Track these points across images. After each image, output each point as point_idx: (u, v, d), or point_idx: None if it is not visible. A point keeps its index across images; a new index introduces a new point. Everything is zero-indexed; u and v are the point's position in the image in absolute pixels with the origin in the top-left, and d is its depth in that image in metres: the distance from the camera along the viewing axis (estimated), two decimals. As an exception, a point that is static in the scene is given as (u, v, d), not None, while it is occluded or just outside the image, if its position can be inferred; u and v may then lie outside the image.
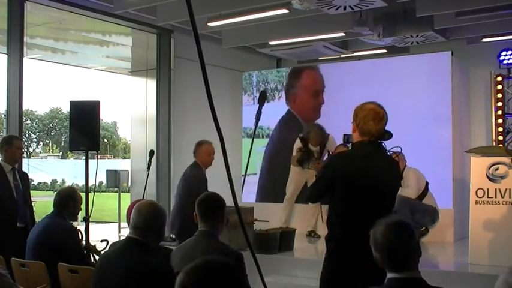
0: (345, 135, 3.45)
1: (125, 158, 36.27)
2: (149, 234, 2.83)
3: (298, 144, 6.96)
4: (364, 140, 3.16)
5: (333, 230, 3.19)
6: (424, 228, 6.28)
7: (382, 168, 3.17)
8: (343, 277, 3.12)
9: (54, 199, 4.16)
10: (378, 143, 3.21)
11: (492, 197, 5.24)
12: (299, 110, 8.38)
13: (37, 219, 4.82)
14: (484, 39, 8.20)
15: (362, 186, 3.11)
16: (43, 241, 3.88)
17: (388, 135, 3.36)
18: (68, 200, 4.12)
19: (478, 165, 5.34)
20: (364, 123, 3.14)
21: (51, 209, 4.15)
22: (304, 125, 7.60)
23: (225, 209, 3.13)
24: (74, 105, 5.74)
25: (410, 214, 5.86)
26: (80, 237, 4.75)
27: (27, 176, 5.32)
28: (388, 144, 3.26)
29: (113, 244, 3.33)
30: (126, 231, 3.07)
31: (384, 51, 8.93)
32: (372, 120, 3.12)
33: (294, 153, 6.97)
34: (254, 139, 7.01)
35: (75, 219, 4.27)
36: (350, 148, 3.39)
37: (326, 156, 6.68)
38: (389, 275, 2.29)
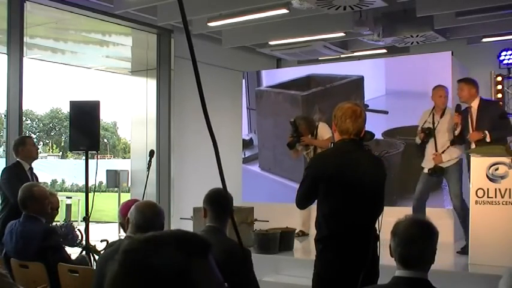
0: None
1: (124, 158, 36.28)
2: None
3: None
4: (345, 138, 3.19)
5: (320, 231, 3.20)
6: None
7: (363, 165, 3.17)
8: (332, 278, 3.12)
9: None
10: (359, 142, 3.22)
11: (492, 197, 5.24)
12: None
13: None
14: (484, 39, 8.21)
15: (344, 184, 3.11)
16: (22, 249, 3.78)
17: (370, 135, 3.37)
18: (26, 201, 3.88)
19: (478, 165, 5.34)
20: (342, 122, 3.17)
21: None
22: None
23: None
24: (74, 105, 5.74)
25: None
26: (80, 237, 4.75)
27: (37, 177, 5.36)
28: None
29: (110, 244, 3.32)
30: (126, 231, 3.07)
31: (384, 51, 8.94)
32: (349, 118, 3.15)
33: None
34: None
35: (50, 219, 4.04)
36: (331, 147, 3.42)
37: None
38: (397, 273, 2.30)
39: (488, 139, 5.60)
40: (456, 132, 5.83)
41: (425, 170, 6.10)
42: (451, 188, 6.01)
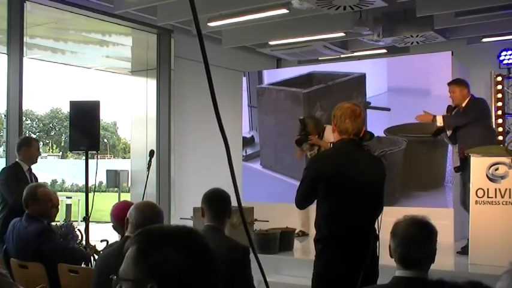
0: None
1: (124, 158, 36.28)
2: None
3: None
4: (344, 138, 3.19)
5: (320, 231, 3.19)
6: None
7: (363, 164, 3.17)
8: (332, 278, 3.12)
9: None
10: (358, 142, 3.21)
11: (492, 197, 5.24)
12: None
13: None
14: (484, 39, 8.20)
15: (344, 184, 3.11)
16: (22, 249, 3.80)
17: (370, 135, 3.37)
18: (28, 200, 3.91)
19: (478, 165, 5.34)
20: (342, 122, 3.18)
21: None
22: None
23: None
24: (74, 105, 5.75)
25: None
26: (80, 237, 4.74)
27: (37, 178, 5.36)
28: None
29: (110, 245, 3.31)
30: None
31: (384, 51, 8.94)
32: (349, 118, 3.16)
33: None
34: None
35: (50, 220, 4.04)
36: (330, 147, 3.42)
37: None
38: (397, 273, 2.30)
39: (439, 123, 5.57)
40: (448, 133, 5.80)
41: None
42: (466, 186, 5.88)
